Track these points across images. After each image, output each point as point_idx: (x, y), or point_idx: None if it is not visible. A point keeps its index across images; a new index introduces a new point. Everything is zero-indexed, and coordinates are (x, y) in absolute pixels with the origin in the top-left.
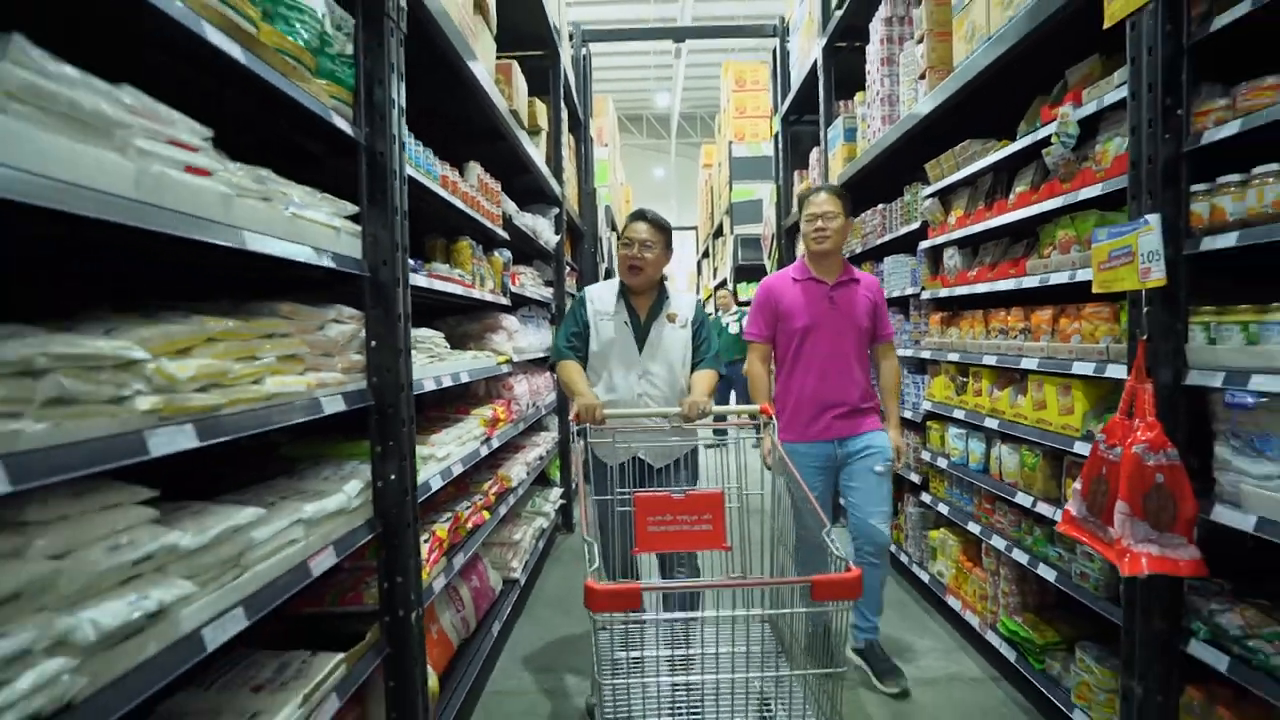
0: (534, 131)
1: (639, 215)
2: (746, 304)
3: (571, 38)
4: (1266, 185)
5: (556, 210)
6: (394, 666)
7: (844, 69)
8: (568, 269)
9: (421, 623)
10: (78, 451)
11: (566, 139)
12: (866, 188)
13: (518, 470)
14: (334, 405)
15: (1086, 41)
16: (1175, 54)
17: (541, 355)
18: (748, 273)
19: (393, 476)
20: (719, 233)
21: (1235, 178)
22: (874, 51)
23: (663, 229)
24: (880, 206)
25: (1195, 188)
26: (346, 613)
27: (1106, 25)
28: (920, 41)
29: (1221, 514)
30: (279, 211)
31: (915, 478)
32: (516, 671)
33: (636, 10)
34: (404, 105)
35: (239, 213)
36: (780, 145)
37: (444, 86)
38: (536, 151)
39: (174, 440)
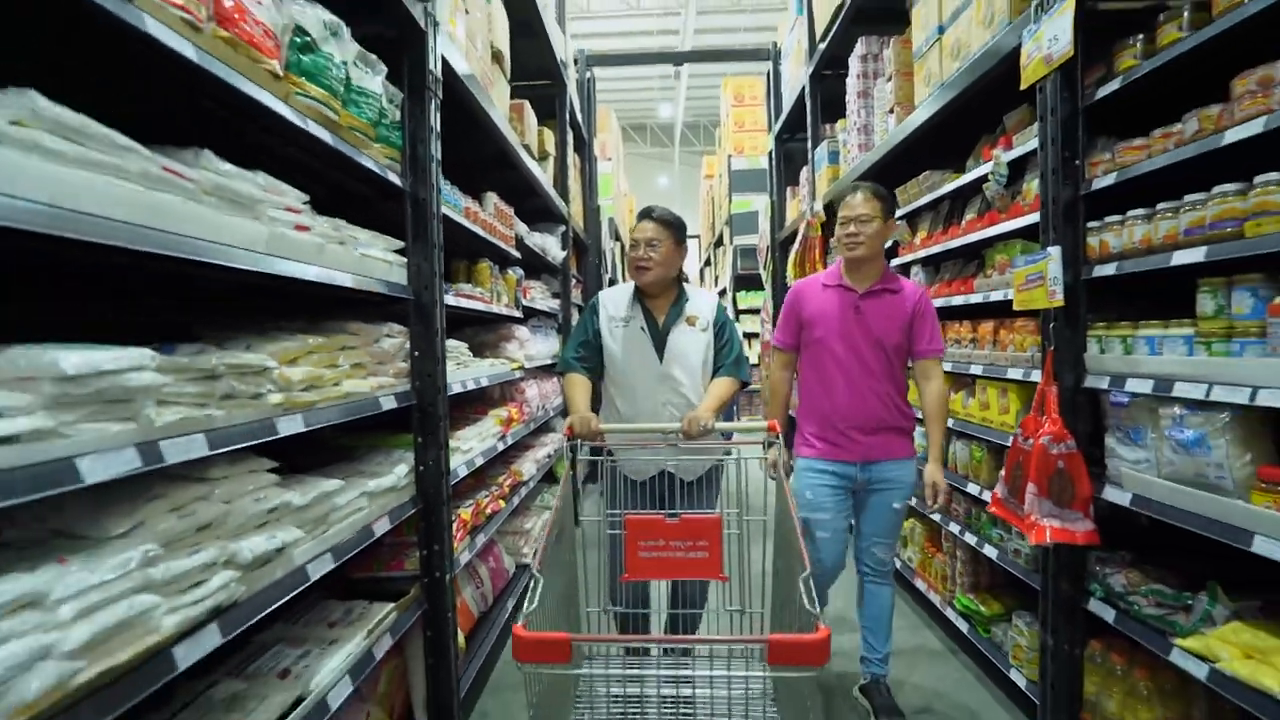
0: (542, 158)
1: (645, 213)
2: (747, 312)
3: (576, 63)
4: (1135, 225)
5: (563, 228)
6: (431, 620)
7: (830, 93)
8: (574, 281)
9: (453, 585)
10: (238, 431)
11: (572, 159)
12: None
13: (528, 466)
14: (389, 403)
15: (1024, 91)
16: (1071, 115)
17: (549, 362)
18: (746, 281)
19: (431, 462)
20: (719, 242)
21: (1115, 218)
22: (852, 84)
23: (670, 224)
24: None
25: (1091, 224)
26: (390, 577)
27: (1023, 87)
28: (889, 80)
29: (1109, 493)
30: (351, 252)
31: None
32: None
33: (639, 23)
34: (440, 159)
35: (327, 256)
36: (774, 162)
37: (465, 128)
38: (544, 176)
39: (291, 426)
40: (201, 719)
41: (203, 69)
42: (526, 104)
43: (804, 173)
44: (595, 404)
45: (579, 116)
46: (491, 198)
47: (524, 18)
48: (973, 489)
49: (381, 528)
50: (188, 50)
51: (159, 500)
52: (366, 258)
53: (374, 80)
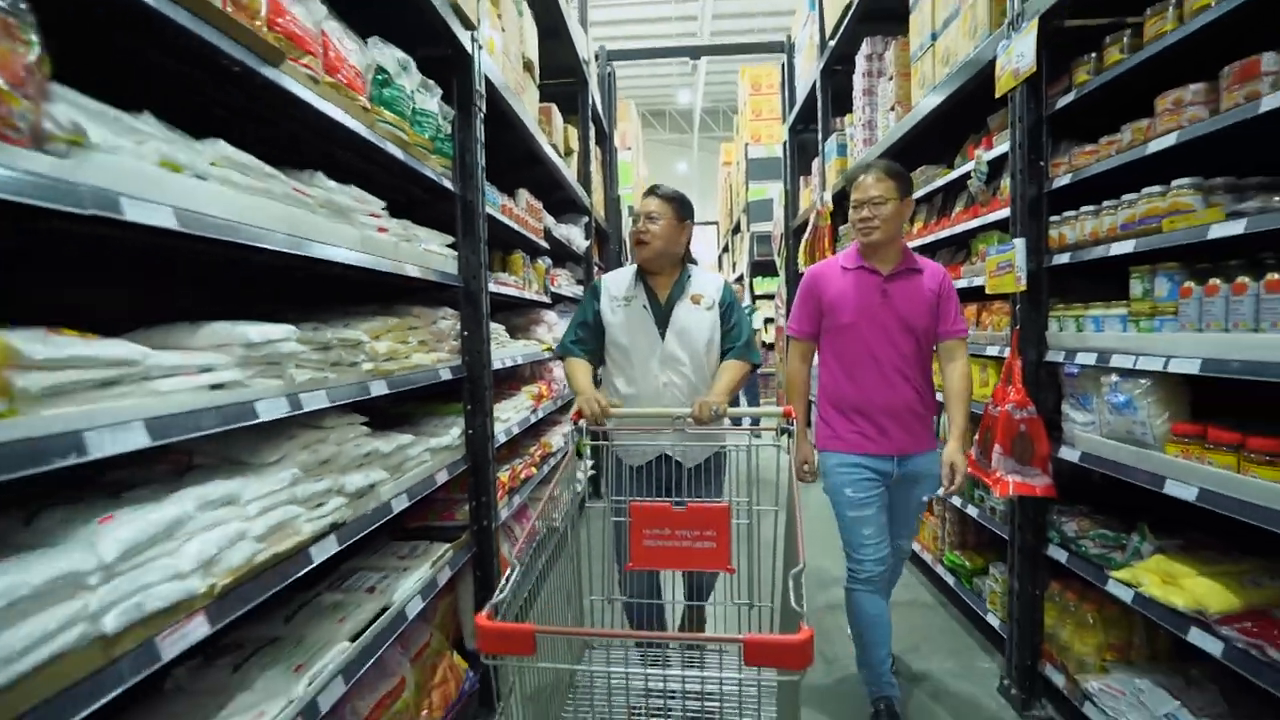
0: (567, 153)
1: (648, 191)
2: (763, 297)
3: (597, 59)
4: (1086, 220)
5: (586, 219)
6: (479, 561)
7: (840, 87)
8: (596, 269)
9: (497, 533)
10: (344, 390)
11: (594, 152)
12: None
13: (556, 439)
14: (445, 374)
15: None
16: (1036, 122)
17: None
18: (762, 268)
19: (479, 427)
20: (737, 229)
21: (1072, 213)
22: (858, 82)
23: (670, 199)
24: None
25: (1053, 219)
26: (443, 526)
27: (997, 95)
28: (890, 79)
29: (1064, 452)
30: (417, 248)
31: None
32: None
33: (658, 9)
34: (485, 165)
35: (401, 251)
36: (787, 152)
37: (500, 131)
38: (569, 170)
39: (379, 389)
40: (315, 618)
41: (316, 108)
42: (554, 106)
43: (815, 163)
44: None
45: (600, 110)
46: (523, 194)
47: (550, 24)
48: None
49: (441, 478)
50: (309, 96)
51: (295, 440)
52: (428, 252)
53: (432, 101)
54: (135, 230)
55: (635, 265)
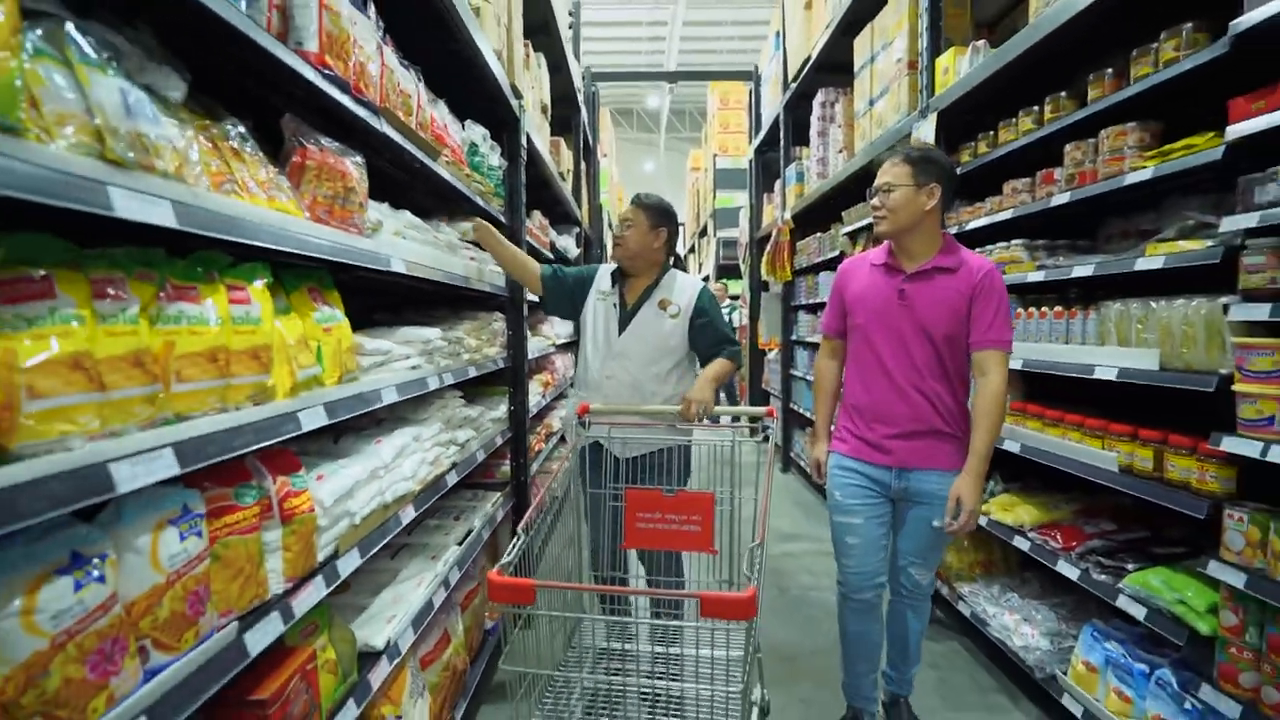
0: (565, 175)
1: (631, 202)
2: (736, 298)
3: (583, 79)
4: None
5: (577, 229)
6: (516, 508)
7: (801, 118)
8: None
9: (530, 486)
10: (456, 372)
11: (582, 168)
12: (813, 216)
13: (555, 422)
14: (501, 364)
15: None
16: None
17: (571, 340)
18: (727, 270)
19: (519, 404)
20: (704, 232)
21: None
22: (814, 123)
23: (646, 206)
24: (818, 234)
25: None
26: (486, 482)
27: None
28: (840, 126)
29: None
30: (489, 268)
31: None
32: None
33: (629, 13)
34: (526, 199)
35: (482, 273)
36: (752, 170)
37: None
38: (567, 189)
39: (473, 373)
40: (428, 533)
41: (444, 178)
42: (562, 141)
43: (778, 184)
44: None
45: (585, 127)
46: (536, 215)
47: (555, 61)
48: None
49: (498, 440)
50: (443, 173)
51: (434, 405)
52: (494, 271)
53: (495, 157)
54: (382, 274)
55: (618, 270)
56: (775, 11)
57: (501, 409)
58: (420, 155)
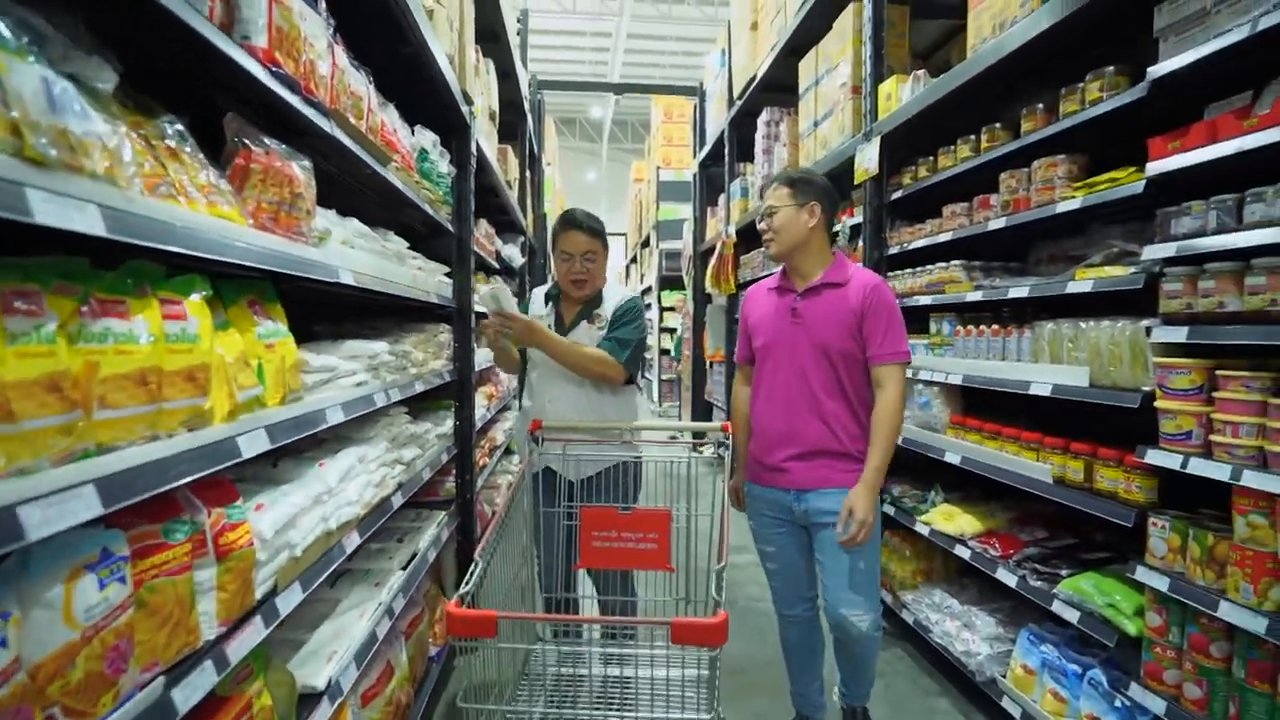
0: (511, 184)
1: (572, 222)
2: (669, 309)
3: (529, 88)
4: (906, 278)
5: (522, 238)
6: (462, 528)
7: (746, 135)
8: (527, 281)
9: (476, 504)
10: (403, 388)
11: (527, 176)
12: (756, 231)
13: (499, 435)
14: (447, 377)
15: None
16: (879, 208)
17: None
18: (670, 281)
19: (465, 419)
20: (646, 243)
21: (898, 272)
22: (759, 141)
23: (601, 234)
24: (762, 249)
25: (890, 274)
26: (430, 502)
27: (856, 183)
28: (785, 146)
29: None
30: (436, 278)
31: None
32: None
33: (573, 23)
34: (474, 209)
35: (429, 283)
36: (697, 184)
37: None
38: (513, 196)
39: (420, 388)
40: (369, 558)
41: (395, 186)
42: (509, 149)
43: (722, 198)
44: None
45: (531, 135)
46: (483, 223)
47: (503, 67)
48: None
49: (443, 458)
50: (395, 180)
51: (379, 423)
52: (441, 281)
53: (444, 164)
54: (327, 285)
55: (550, 286)
56: (721, 31)
57: (447, 424)
58: (370, 161)
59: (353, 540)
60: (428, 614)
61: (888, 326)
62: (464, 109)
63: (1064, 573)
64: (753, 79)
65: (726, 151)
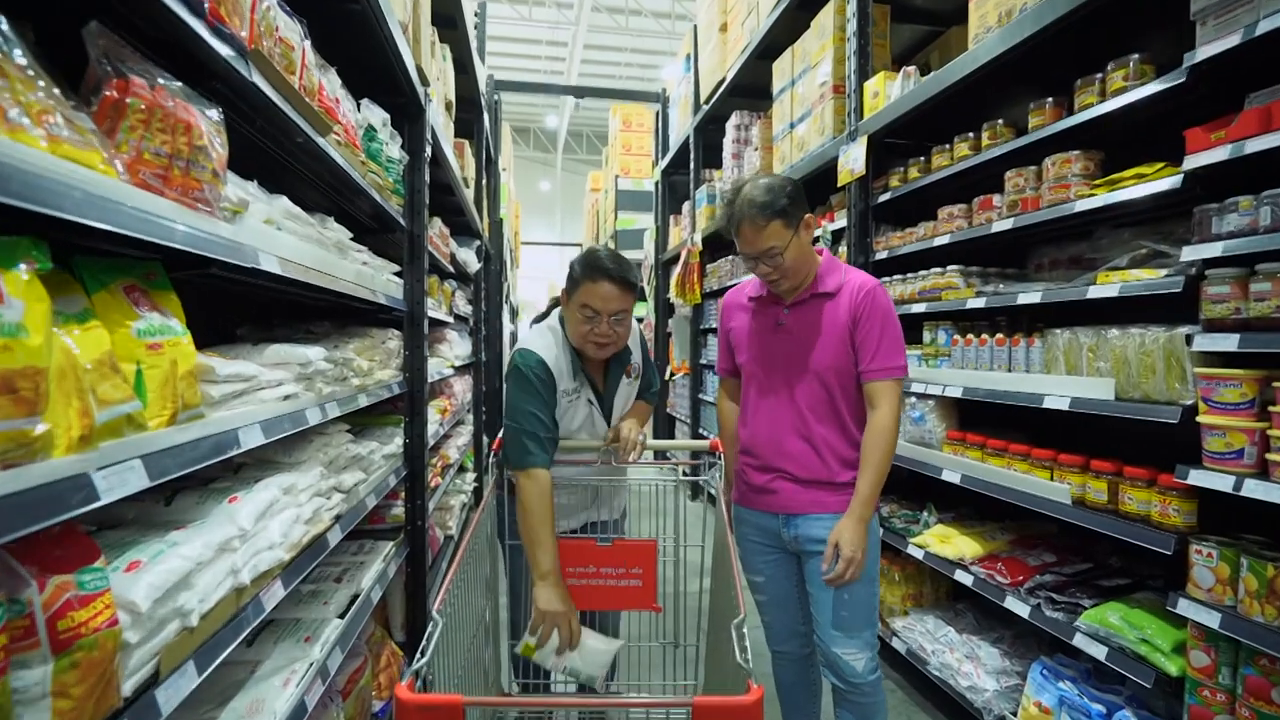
0: (468, 181)
1: (600, 269)
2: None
3: (486, 88)
4: (896, 285)
5: (478, 243)
6: (411, 558)
7: (711, 140)
8: (482, 288)
9: (428, 530)
10: (345, 401)
11: (484, 179)
12: (724, 239)
13: (452, 452)
14: (396, 389)
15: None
16: (864, 211)
17: (469, 361)
18: None
19: (416, 436)
20: None
21: (886, 279)
22: (727, 146)
23: (633, 287)
24: (730, 257)
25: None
26: (375, 530)
27: (839, 185)
28: (756, 149)
29: None
30: (384, 277)
31: None
32: None
33: (529, 30)
34: (429, 203)
35: (377, 282)
36: (659, 191)
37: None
38: (469, 196)
39: (364, 401)
40: (301, 603)
41: (338, 164)
42: (466, 143)
43: (686, 205)
44: None
45: (488, 136)
46: (437, 222)
47: (460, 60)
48: None
49: (391, 482)
50: (336, 156)
51: (313, 443)
52: (390, 281)
53: (395, 148)
54: (247, 274)
55: (566, 346)
56: (682, 40)
57: (396, 442)
58: (304, 126)
59: (275, 593)
60: (371, 662)
61: (881, 336)
62: (419, 89)
63: (1086, 603)
64: (721, 82)
65: (692, 158)
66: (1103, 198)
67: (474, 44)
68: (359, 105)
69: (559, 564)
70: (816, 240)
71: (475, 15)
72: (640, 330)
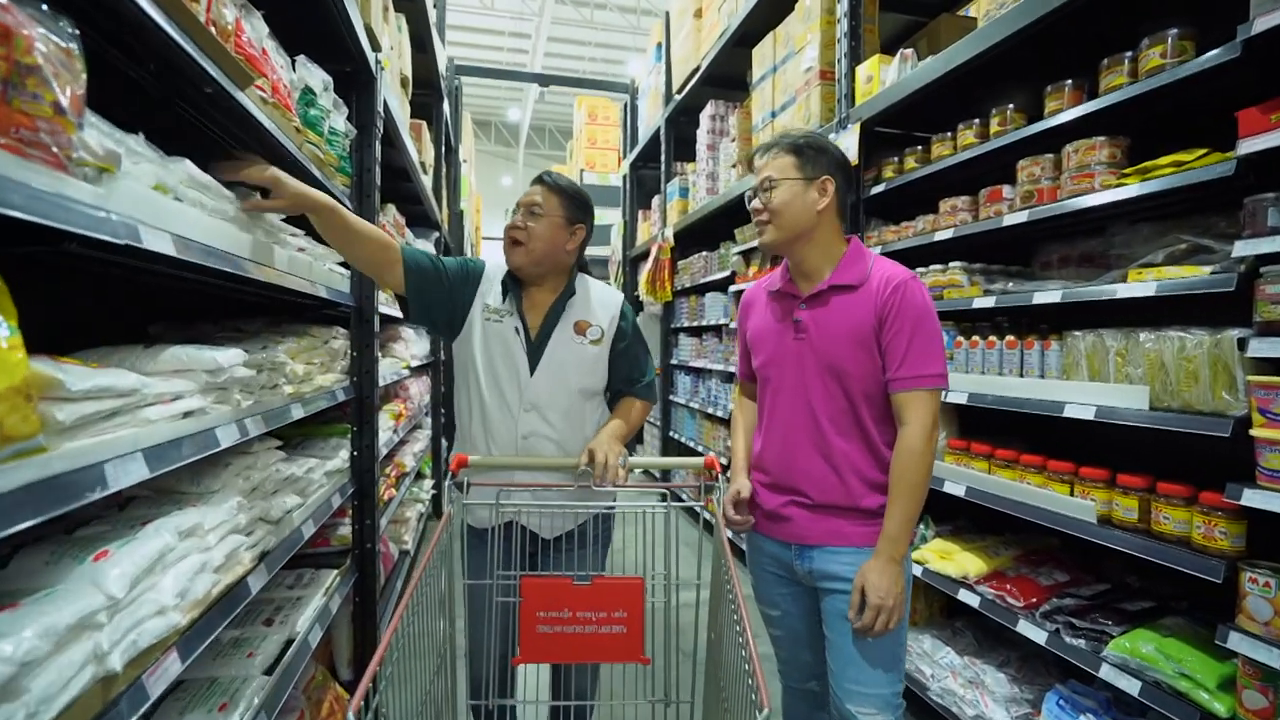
0: (426, 167)
1: (536, 178)
2: None
3: (447, 72)
4: None
5: (437, 234)
6: (360, 586)
7: (683, 133)
8: None
9: (379, 552)
10: (274, 414)
11: (443, 168)
12: (697, 234)
13: (408, 459)
14: (341, 396)
15: None
16: (855, 203)
17: (426, 362)
18: None
19: (366, 448)
20: None
21: None
22: (702, 137)
23: (563, 192)
24: (704, 253)
25: None
26: (317, 552)
27: None
28: (733, 140)
29: None
30: (323, 267)
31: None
32: None
33: (492, 21)
34: (380, 185)
35: (315, 271)
36: (628, 186)
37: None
38: (427, 183)
39: (297, 413)
40: (219, 656)
41: (265, 128)
42: (424, 124)
43: (656, 200)
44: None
45: (448, 121)
46: (391, 209)
47: (418, 36)
48: None
49: (335, 501)
50: (261, 117)
51: (230, 467)
52: (332, 272)
53: (340, 120)
54: (120, 252)
55: (506, 270)
56: (657, 24)
57: (341, 456)
58: (212, 70)
59: (168, 670)
60: (309, 712)
61: (912, 338)
62: (369, 54)
63: (1113, 630)
64: (696, 70)
65: (663, 150)
66: (1135, 187)
67: (433, 21)
68: (294, 63)
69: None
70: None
71: None
72: (627, 307)
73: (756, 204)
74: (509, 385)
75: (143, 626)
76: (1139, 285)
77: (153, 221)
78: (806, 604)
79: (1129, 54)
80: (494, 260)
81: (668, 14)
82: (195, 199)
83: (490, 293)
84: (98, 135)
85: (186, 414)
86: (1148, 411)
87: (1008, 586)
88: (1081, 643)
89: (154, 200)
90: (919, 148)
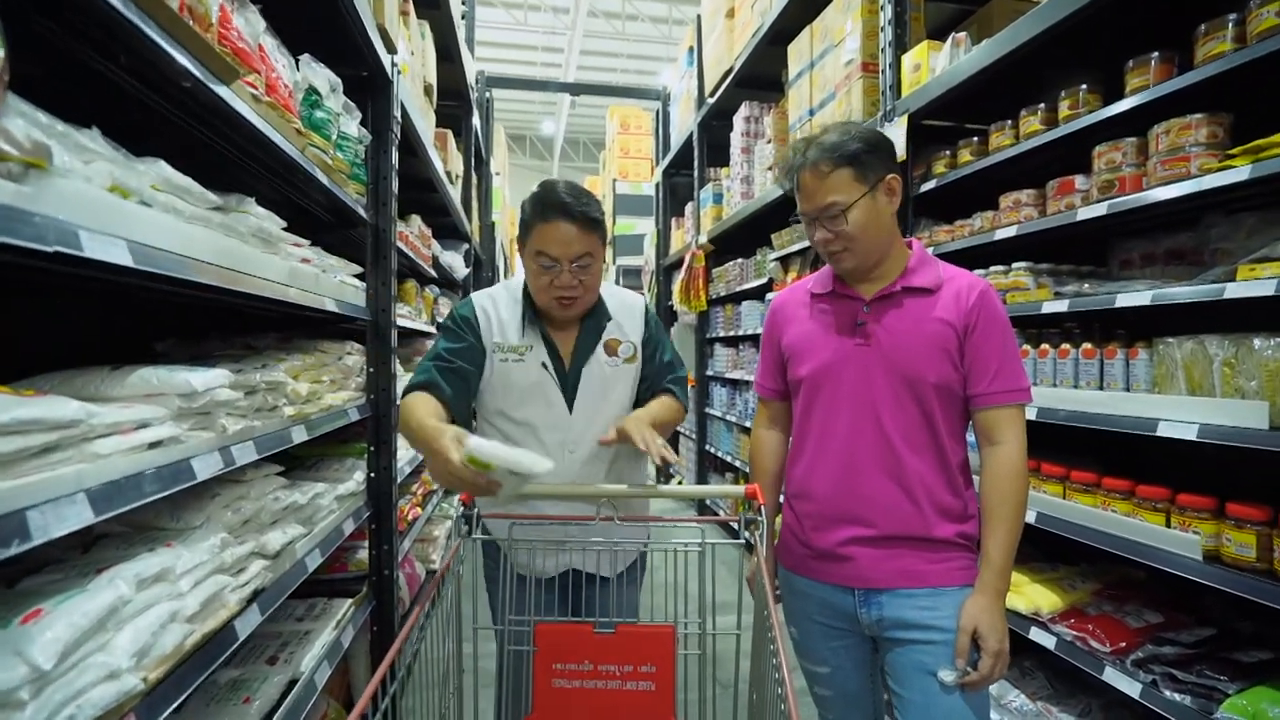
0: (453, 178)
1: (556, 206)
2: None
3: (476, 83)
4: None
5: (467, 246)
6: (378, 615)
7: (716, 138)
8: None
9: (398, 576)
10: (270, 439)
11: (473, 179)
12: (732, 240)
13: None
14: (355, 415)
15: None
16: (904, 202)
17: None
18: None
19: (383, 469)
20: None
21: None
22: (736, 140)
23: (597, 224)
24: (739, 260)
25: None
26: (333, 579)
27: None
28: (769, 142)
29: None
30: (332, 280)
31: None
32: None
33: (525, 37)
34: (397, 193)
35: (321, 285)
36: (660, 195)
37: (401, 155)
38: (455, 195)
39: (300, 436)
40: (215, 701)
41: (256, 129)
42: (450, 134)
43: (689, 207)
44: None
45: (478, 133)
46: (416, 220)
47: (444, 46)
48: None
49: (348, 528)
50: (252, 117)
51: (217, 499)
52: (344, 285)
53: (352, 125)
54: (68, 263)
55: (520, 292)
56: (689, 29)
57: (356, 478)
58: (184, 61)
59: None
60: None
61: (1003, 350)
62: (383, 56)
63: (1227, 687)
64: (729, 71)
65: (696, 155)
66: (1246, 169)
67: (461, 33)
68: (297, 63)
69: (444, 426)
70: None
71: (463, 3)
72: (649, 306)
73: (824, 233)
74: (546, 429)
75: (85, 697)
76: (1255, 284)
77: (100, 226)
78: (861, 656)
79: (1233, 16)
80: (481, 293)
81: (699, 17)
82: (168, 203)
83: (496, 330)
84: (24, 125)
85: (153, 444)
86: (1267, 431)
87: (1089, 627)
88: (1186, 699)
89: (104, 202)
90: (974, 139)
